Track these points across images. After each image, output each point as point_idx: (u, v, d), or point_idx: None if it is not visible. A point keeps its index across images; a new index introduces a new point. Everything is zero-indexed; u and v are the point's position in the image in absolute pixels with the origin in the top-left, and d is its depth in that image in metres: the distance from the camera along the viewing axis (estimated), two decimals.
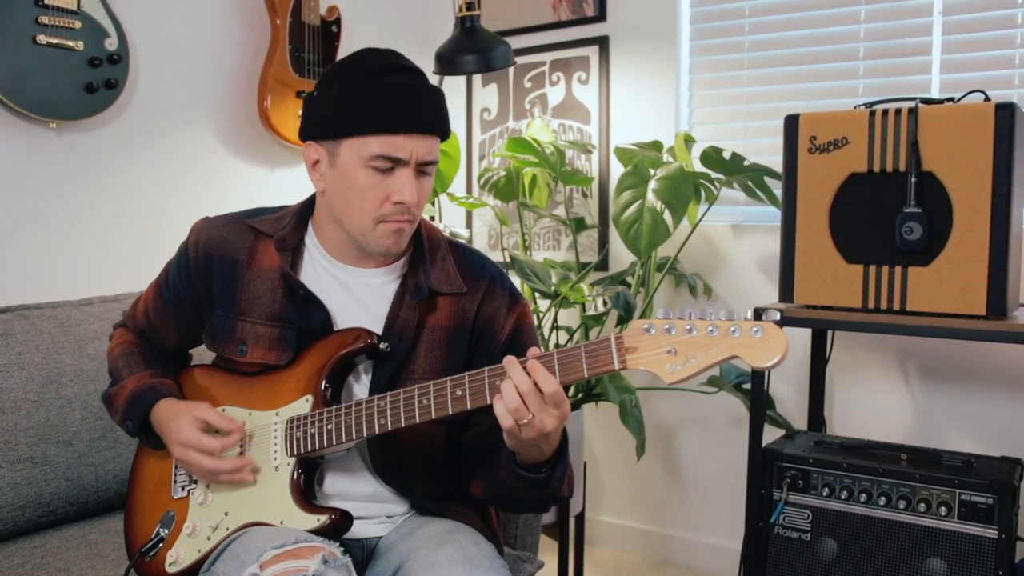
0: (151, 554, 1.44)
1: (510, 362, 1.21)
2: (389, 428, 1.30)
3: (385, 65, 1.33)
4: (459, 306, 1.44)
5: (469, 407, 1.25)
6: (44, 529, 1.79)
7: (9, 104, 2.01)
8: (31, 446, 1.75)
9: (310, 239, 1.48)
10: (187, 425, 1.39)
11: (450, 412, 1.26)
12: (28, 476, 1.74)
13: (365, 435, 1.32)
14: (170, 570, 1.41)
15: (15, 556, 1.66)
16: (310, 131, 1.38)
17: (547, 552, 2.64)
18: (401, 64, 1.34)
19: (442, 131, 1.37)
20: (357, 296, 1.44)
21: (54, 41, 2.05)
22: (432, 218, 2.88)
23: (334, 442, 1.33)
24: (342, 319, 1.44)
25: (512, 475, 1.31)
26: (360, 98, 1.30)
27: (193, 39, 2.48)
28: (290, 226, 1.46)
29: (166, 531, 1.45)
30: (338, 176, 1.35)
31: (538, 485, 1.31)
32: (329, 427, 1.34)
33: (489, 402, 1.23)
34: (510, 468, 1.31)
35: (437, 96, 1.36)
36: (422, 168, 1.35)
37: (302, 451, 1.36)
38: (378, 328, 1.41)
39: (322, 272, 1.46)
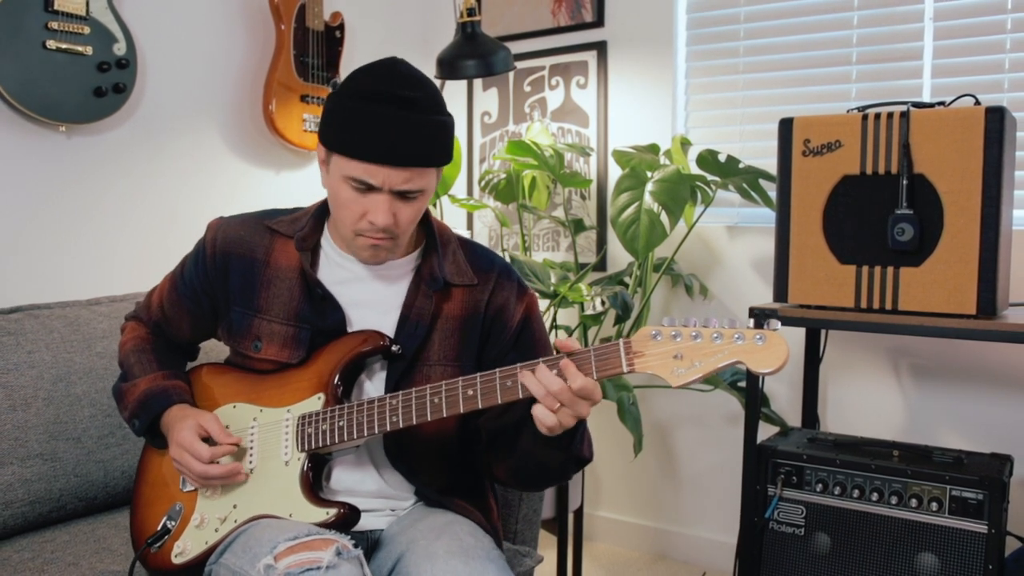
0: (157, 546, 1.47)
1: (540, 368, 1.24)
2: (400, 425, 1.34)
3: (384, 92, 1.32)
4: (471, 297, 1.49)
5: (480, 406, 1.29)
6: (53, 524, 1.81)
7: (19, 108, 2.04)
8: (41, 443, 1.78)
9: (326, 240, 1.52)
10: (188, 428, 1.44)
11: (461, 411, 1.30)
12: (38, 472, 1.76)
13: (376, 432, 1.35)
14: (176, 561, 1.44)
15: (25, 550, 1.68)
16: (319, 132, 1.42)
17: (546, 547, 2.66)
18: (399, 94, 1.32)
19: (426, 162, 1.36)
20: (373, 288, 1.49)
21: (63, 46, 2.08)
22: None
23: (345, 438, 1.37)
24: (359, 312, 1.48)
25: (534, 439, 1.33)
26: (348, 121, 1.33)
27: (200, 44, 2.51)
28: (308, 227, 1.51)
29: (173, 523, 1.47)
30: (330, 182, 1.41)
31: (560, 447, 1.34)
32: (341, 424, 1.37)
33: (500, 401, 1.28)
34: (533, 434, 1.33)
35: (428, 129, 1.34)
36: (402, 193, 1.37)
37: (314, 447, 1.39)
38: (395, 317, 1.46)
39: (338, 270, 1.50)
